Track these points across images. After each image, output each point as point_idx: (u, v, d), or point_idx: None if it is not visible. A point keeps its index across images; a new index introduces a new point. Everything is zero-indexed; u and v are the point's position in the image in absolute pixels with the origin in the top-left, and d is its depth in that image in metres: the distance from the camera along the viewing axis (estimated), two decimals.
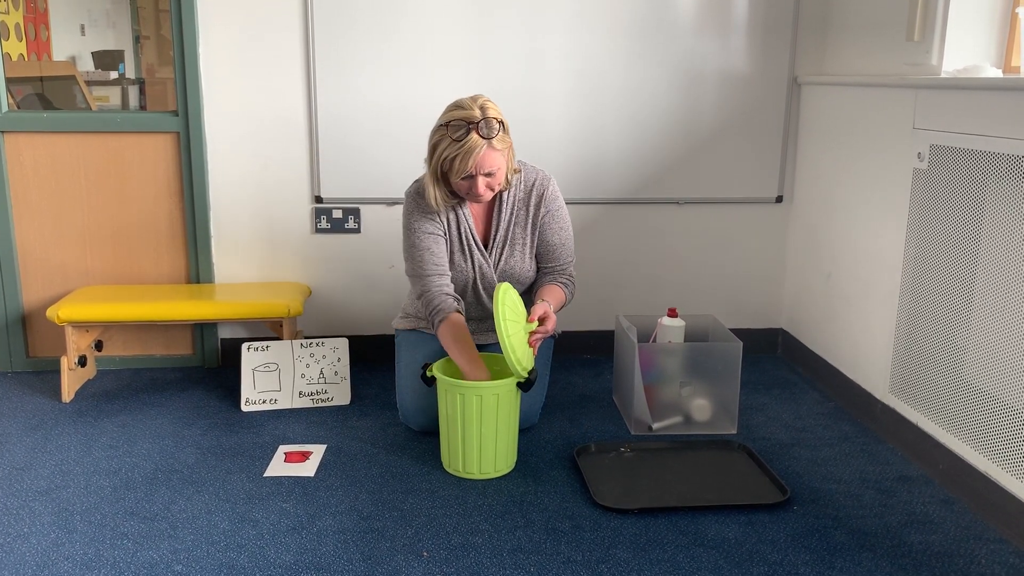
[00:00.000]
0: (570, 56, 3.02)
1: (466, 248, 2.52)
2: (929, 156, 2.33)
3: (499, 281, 2.53)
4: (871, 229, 2.67)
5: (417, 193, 2.50)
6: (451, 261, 2.52)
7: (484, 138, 2.27)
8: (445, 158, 2.31)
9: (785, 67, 3.10)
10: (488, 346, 2.64)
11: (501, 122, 2.33)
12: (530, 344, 2.32)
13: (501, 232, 2.53)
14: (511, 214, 2.53)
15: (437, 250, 2.48)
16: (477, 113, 2.28)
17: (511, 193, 2.52)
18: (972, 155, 2.15)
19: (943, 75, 2.37)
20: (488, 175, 2.34)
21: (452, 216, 2.51)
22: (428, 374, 2.34)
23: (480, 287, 2.55)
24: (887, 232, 2.57)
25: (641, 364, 2.54)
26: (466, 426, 2.25)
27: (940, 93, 2.31)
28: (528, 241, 2.55)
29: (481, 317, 2.63)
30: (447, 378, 2.26)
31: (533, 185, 2.53)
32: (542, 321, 2.35)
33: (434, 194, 2.41)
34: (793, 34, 3.07)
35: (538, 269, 2.62)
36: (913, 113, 2.43)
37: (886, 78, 2.59)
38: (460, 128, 2.27)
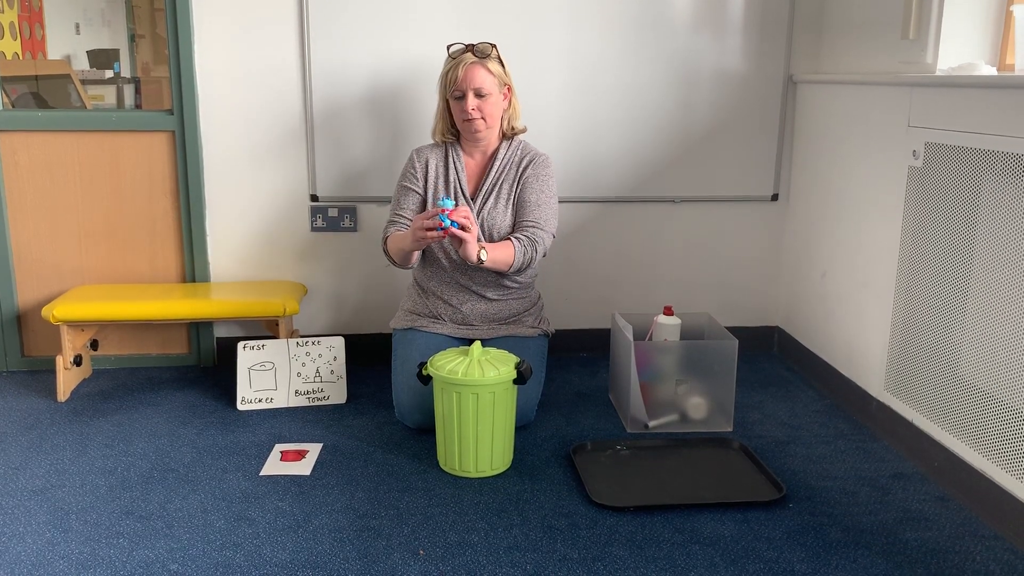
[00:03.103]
0: (566, 53, 3.02)
1: (451, 195, 2.65)
2: (924, 154, 2.34)
3: (482, 229, 2.61)
4: (866, 227, 2.68)
5: (414, 150, 2.72)
6: (435, 206, 2.58)
7: (475, 55, 2.54)
8: (444, 75, 2.59)
9: (781, 65, 3.10)
10: (485, 342, 2.65)
11: (499, 57, 2.60)
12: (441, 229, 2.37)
13: (488, 183, 2.65)
14: (502, 170, 2.66)
15: (405, 203, 2.68)
16: (475, 43, 2.59)
17: (507, 153, 2.66)
18: (967, 153, 2.15)
19: (938, 73, 2.38)
20: (478, 95, 2.54)
21: (442, 167, 2.66)
22: (424, 372, 2.34)
23: None
24: (882, 230, 2.57)
25: (637, 362, 2.54)
26: (462, 424, 2.26)
27: (935, 91, 2.31)
28: (513, 199, 2.65)
29: (471, 274, 2.64)
30: (444, 376, 2.26)
31: (529, 153, 2.69)
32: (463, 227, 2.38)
33: (439, 125, 2.68)
34: (789, 32, 3.08)
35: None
36: (908, 111, 2.43)
37: (881, 76, 2.59)
38: (459, 49, 2.57)
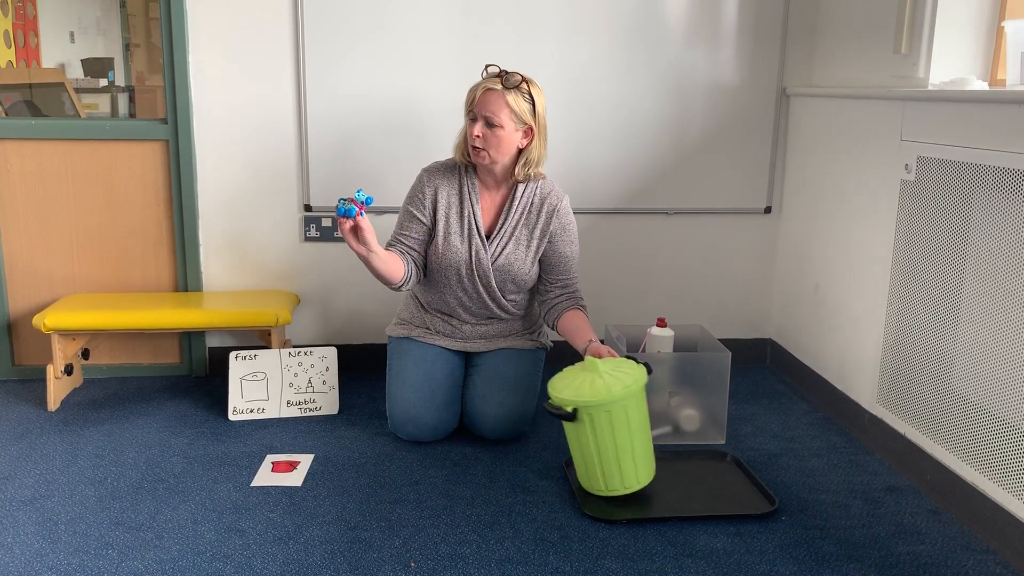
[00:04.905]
0: (559, 65, 3.02)
1: (465, 232, 2.54)
2: (916, 167, 2.35)
3: (495, 274, 2.55)
4: (859, 240, 2.68)
5: (425, 170, 2.60)
6: (447, 242, 2.53)
7: (502, 83, 2.41)
8: (468, 92, 2.48)
9: (774, 78, 3.12)
10: (484, 352, 2.65)
11: (531, 94, 2.44)
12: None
13: (507, 227, 2.56)
14: (521, 214, 2.56)
15: (409, 227, 2.57)
16: (511, 71, 2.45)
17: (525, 194, 2.56)
18: (959, 167, 2.16)
19: (930, 87, 2.39)
20: (488, 124, 2.42)
21: (456, 197, 2.55)
22: (569, 409, 2.13)
23: (476, 274, 2.56)
24: (875, 243, 2.58)
25: None
26: (619, 440, 2.15)
27: (927, 105, 2.33)
28: (534, 246, 2.57)
29: (475, 312, 2.63)
30: (591, 401, 2.10)
31: (547, 196, 2.58)
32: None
33: (460, 144, 2.55)
34: (781, 46, 3.09)
35: (544, 281, 2.63)
36: (900, 125, 2.45)
37: (874, 90, 2.60)
38: (493, 71, 2.46)
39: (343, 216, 2.25)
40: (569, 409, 2.14)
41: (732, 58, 3.09)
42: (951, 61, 2.41)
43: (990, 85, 2.39)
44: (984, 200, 2.09)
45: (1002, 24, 2.37)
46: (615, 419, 2.14)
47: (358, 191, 2.27)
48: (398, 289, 2.53)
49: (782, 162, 3.22)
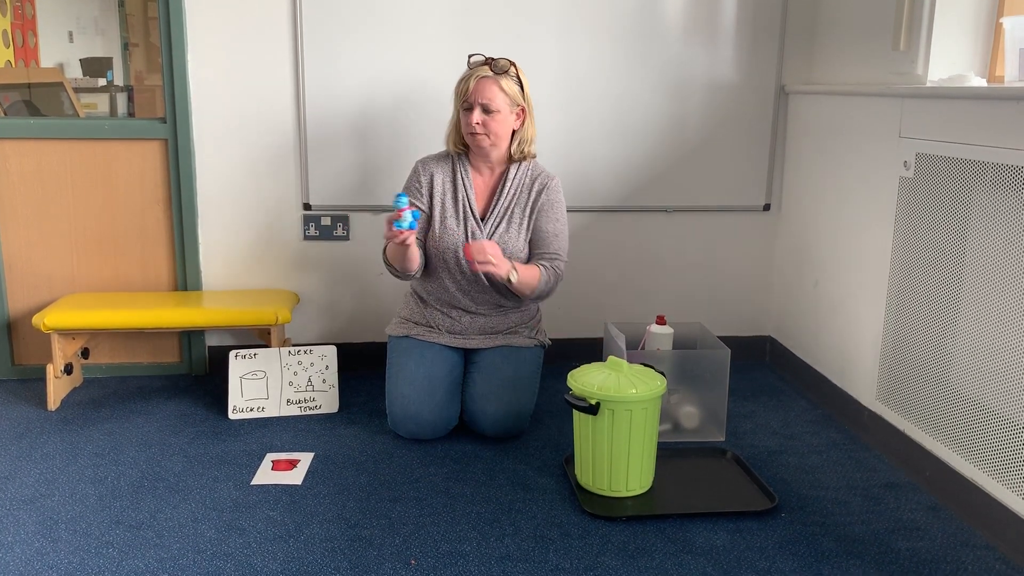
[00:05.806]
0: (558, 63, 3.03)
1: (460, 214, 2.59)
2: (915, 164, 2.35)
3: None
4: (858, 237, 2.69)
5: (420, 161, 2.67)
6: (443, 225, 2.58)
7: (491, 69, 2.49)
8: (458, 84, 2.54)
9: (772, 76, 3.12)
10: (484, 350, 2.65)
11: (519, 77, 2.54)
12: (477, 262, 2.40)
13: (501, 206, 2.60)
14: (514, 193, 2.62)
15: None
16: (495, 57, 2.53)
17: (517, 175, 2.62)
18: (957, 163, 2.17)
19: (928, 84, 2.39)
20: (486, 111, 2.49)
21: (450, 183, 2.61)
22: (593, 402, 2.14)
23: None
24: (874, 240, 2.58)
25: None
26: (632, 440, 2.17)
27: (926, 102, 2.33)
28: (525, 224, 2.62)
29: (474, 297, 2.63)
30: (617, 397, 2.12)
31: (538, 176, 2.64)
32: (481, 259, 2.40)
33: (452, 134, 2.63)
34: (780, 43, 3.09)
35: (530, 257, 2.65)
36: (899, 122, 2.45)
37: (872, 87, 2.61)
38: (478, 60, 2.53)
39: (410, 228, 2.31)
40: (593, 402, 2.15)
41: (731, 56, 3.09)
42: (950, 58, 2.41)
43: (988, 82, 2.39)
44: (983, 196, 2.09)
45: (1000, 20, 2.37)
46: (635, 419, 2.16)
47: (401, 198, 2.32)
48: (413, 277, 2.59)
49: (781, 159, 3.22)
